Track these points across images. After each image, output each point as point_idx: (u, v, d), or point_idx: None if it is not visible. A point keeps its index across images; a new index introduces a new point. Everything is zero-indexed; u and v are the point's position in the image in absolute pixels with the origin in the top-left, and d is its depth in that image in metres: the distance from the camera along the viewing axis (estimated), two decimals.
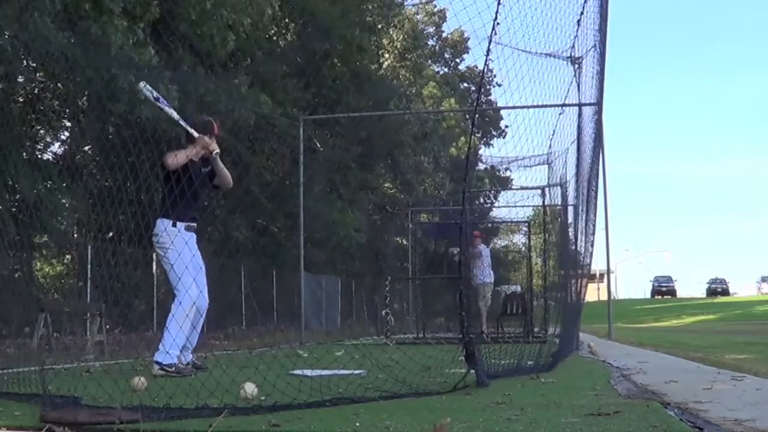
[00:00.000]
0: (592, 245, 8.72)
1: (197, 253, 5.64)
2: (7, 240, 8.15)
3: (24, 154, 10.74)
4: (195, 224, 5.62)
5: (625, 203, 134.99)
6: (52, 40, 8.67)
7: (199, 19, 12.01)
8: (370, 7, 20.55)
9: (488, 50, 4.29)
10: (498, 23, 4.24)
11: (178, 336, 5.22)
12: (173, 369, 5.14)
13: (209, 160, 5.64)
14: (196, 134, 5.53)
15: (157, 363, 5.18)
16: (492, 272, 13.30)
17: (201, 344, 5.99)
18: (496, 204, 28.71)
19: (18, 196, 10.46)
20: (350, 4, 18.81)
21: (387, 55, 26.24)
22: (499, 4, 4.25)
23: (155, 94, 5.66)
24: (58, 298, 12.05)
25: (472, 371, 4.05)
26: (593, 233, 8.64)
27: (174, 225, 5.41)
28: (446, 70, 35.87)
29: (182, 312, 5.29)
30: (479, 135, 33.11)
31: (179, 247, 5.31)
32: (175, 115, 5.65)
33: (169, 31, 11.65)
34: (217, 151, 5.58)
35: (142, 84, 5.71)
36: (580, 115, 9.18)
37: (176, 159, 5.36)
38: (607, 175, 12.25)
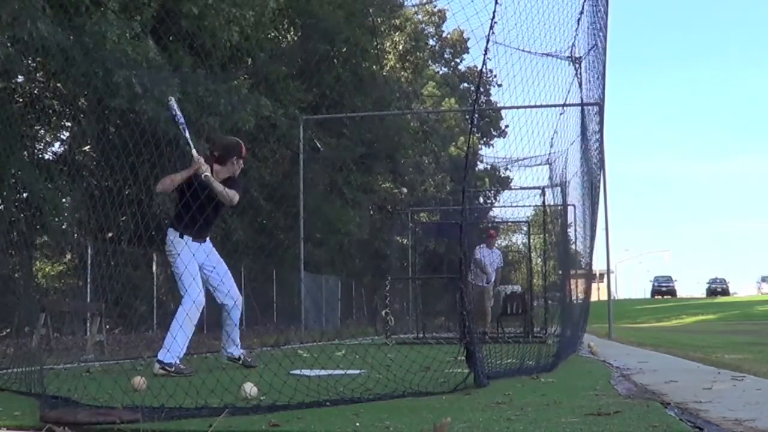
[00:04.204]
0: (592, 241, 8.71)
1: (212, 255, 5.78)
2: (9, 239, 8.14)
3: (25, 153, 10.73)
4: (202, 237, 5.69)
5: (625, 203, 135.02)
6: (48, 37, 8.65)
7: (201, 14, 11.97)
8: (371, 10, 20.54)
9: (486, 49, 4.28)
10: (495, 22, 4.23)
11: (179, 336, 5.30)
12: (173, 368, 5.18)
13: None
14: (195, 154, 5.53)
15: (159, 362, 5.23)
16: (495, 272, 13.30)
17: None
18: (496, 204, 28.73)
19: (18, 196, 10.45)
20: (353, 7, 18.80)
21: (390, 56, 26.23)
22: (496, 3, 4.25)
23: (179, 114, 5.63)
24: (58, 298, 12.04)
25: (473, 373, 4.05)
26: (593, 232, 8.64)
27: (181, 236, 5.55)
28: (446, 70, 35.89)
29: (183, 312, 5.39)
30: (479, 135, 33.08)
31: (186, 258, 5.49)
32: (189, 140, 5.64)
33: (169, 29, 11.62)
34: (206, 173, 5.49)
35: (172, 101, 5.72)
36: (583, 114, 9.17)
37: (163, 186, 5.53)
38: (607, 175, 12.25)
